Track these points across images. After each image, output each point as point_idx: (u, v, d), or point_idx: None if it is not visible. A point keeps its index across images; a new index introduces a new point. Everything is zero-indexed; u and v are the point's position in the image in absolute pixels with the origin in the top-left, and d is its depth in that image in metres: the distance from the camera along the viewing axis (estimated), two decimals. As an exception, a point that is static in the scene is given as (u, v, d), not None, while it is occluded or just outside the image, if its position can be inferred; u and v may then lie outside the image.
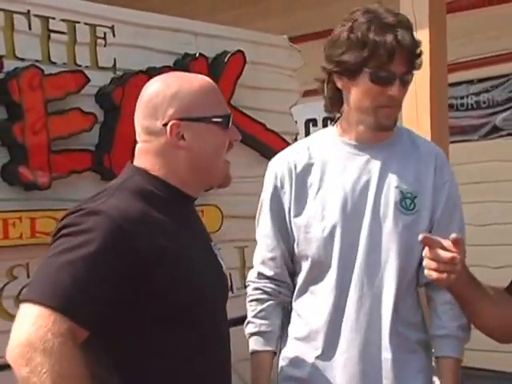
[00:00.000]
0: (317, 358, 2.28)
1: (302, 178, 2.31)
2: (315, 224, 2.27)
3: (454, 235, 1.91)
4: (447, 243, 1.93)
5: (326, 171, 2.30)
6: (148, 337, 1.79)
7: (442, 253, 1.92)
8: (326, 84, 2.33)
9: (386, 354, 2.26)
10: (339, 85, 2.28)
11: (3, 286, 3.09)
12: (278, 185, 2.34)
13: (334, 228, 2.25)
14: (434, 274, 1.98)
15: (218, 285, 2.00)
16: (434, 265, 1.95)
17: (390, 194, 2.26)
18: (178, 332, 1.82)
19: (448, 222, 2.32)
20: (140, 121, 1.93)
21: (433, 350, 2.36)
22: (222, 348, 1.97)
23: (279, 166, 2.36)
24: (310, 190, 2.30)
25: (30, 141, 3.17)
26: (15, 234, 3.09)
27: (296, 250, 2.32)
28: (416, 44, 2.24)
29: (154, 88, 1.92)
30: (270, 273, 2.35)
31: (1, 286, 3.09)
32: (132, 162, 1.95)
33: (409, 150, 2.35)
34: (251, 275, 2.41)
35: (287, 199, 2.32)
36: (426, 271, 1.98)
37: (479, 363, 5.94)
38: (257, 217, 2.43)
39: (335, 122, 2.40)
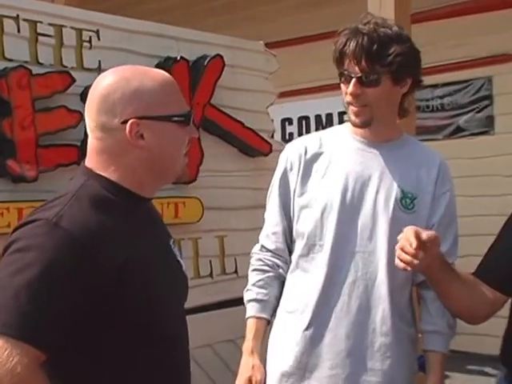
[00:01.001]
0: (304, 330, 2.24)
1: (309, 163, 2.31)
2: (315, 205, 2.25)
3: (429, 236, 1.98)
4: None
5: (333, 160, 2.29)
6: (109, 352, 1.62)
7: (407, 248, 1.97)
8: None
9: (374, 338, 2.23)
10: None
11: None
12: (288, 167, 2.34)
13: (331, 211, 2.23)
14: (396, 261, 2.02)
15: (177, 288, 1.83)
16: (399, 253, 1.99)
17: (392, 191, 2.24)
18: (139, 343, 1.65)
19: (446, 226, 2.30)
20: (94, 116, 1.66)
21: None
22: (180, 350, 1.80)
23: (291, 151, 2.36)
24: (316, 175, 2.29)
25: (19, 136, 3.13)
26: (3, 223, 3.02)
27: (295, 228, 2.31)
28: (373, 46, 2.16)
29: (111, 81, 1.66)
30: (271, 246, 2.35)
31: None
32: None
33: (414, 156, 2.33)
34: (255, 248, 2.41)
35: (293, 180, 2.31)
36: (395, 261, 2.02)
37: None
38: (268, 195, 2.43)
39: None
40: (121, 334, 1.63)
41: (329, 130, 2.48)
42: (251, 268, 2.38)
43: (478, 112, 6.58)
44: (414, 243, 1.97)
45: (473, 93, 6.62)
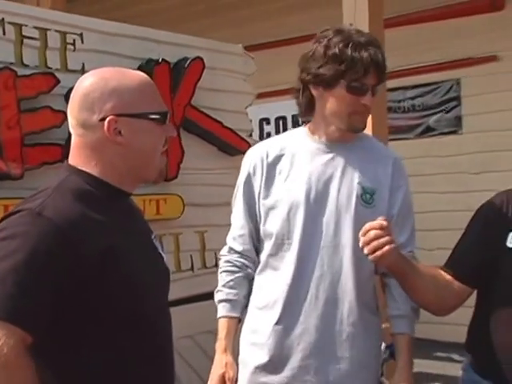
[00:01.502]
0: (275, 325, 2.25)
1: (272, 166, 2.31)
2: (281, 206, 2.26)
3: (382, 221, 2.00)
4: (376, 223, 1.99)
5: (294, 162, 2.30)
6: (89, 336, 1.61)
7: (371, 232, 1.99)
8: (301, 92, 2.31)
9: (342, 328, 2.24)
10: (315, 93, 2.27)
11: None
12: (251, 172, 2.33)
13: (297, 210, 2.23)
14: (365, 250, 2.02)
15: (159, 278, 1.82)
16: (366, 241, 1.99)
17: (353, 188, 2.26)
18: (123, 331, 1.64)
19: (403, 218, 2.33)
20: (75, 114, 1.69)
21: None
22: (163, 339, 1.80)
23: (253, 156, 2.37)
24: (279, 177, 2.29)
25: (4, 135, 3.09)
26: (-11, 220, 2.97)
27: (262, 229, 2.31)
28: (385, 60, 2.24)
29: (91, 82, 1.69)
30: (239, 248, 2.35)
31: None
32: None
33: (369, 152, 2.35)
34: (223, 250, 2.42)
35: (258, 184, 2.31)
36: (364, 250, 2.01)
37: (417, 333, 5.91)
38: (233, 199, 2.42)
39: (304, 124, 2.40)
40: (104, 321, 1.62)
41: (286, 133, 2.50)
42: (220, 270, 2.38)
43: (447, 113, 6.62)
44: (384, 223, 1.99)
45: (442, 94, 6.65)
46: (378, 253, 2.02)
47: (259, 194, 2.30)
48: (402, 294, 2.30)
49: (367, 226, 2.02)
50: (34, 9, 3.73)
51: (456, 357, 5.24)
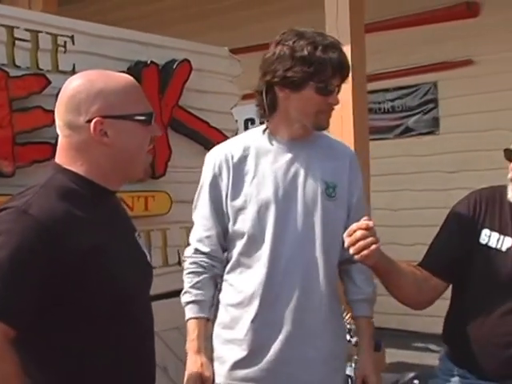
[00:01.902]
0: (252, 321, 2.22)
1: (238, 168, 2.26)
2: (251, 205, 2.22)
3: (367, 221, 2.01)
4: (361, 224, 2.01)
5: (259, 162, 2.26)
6: (74, 331, 1.60)
7: (358, 232, 2.00)
8: (265, 94, 2.25)
9: (315, 317, 2.25)
10: (280, 95, 2.22)
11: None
12: (217, 173, 2.28)
13: (267, 208, 2.21)
14: (351, 250, 2.02)
15: (141, 274, 1.81)
16: (352, 241, 2.00)
17: (317, 184, 2.26)
18: (106, 325, 1.64)
19: (360, 209, 2.37)
20: (62, 115, 1.68)
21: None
22: (146, 332, 1.79)
23: (217, 157, 2.30)
24: (246, 178, 2.25)
25: (-4, 134, 3.05)
26: (-18, 216, 2.94)
27: (232, 229, 2.26)
28: (348, 61, 2.25)
29: (77, 84, 1.68)
30: (206, 249, 2.29)
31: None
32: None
33: (327, 149, 2.35)
34: (188, 251, 2.34)
35: (225, 185, 2.26)
36: (350, 250, 2.02)
37: (394, 325, 5.94)
38: (195, 201, 2.35)
39: (265, 123, 2.35)
40: (88, 316, 1.60)
41: (245, 134, 2.44)
42: (186, 271, 2.32)
43: (425, 114, 6.64)
44: (370, 223, 2.01)
45: (420, 96, 6.68)
46: (365, 252, 2.01)
47: (227, 195, 2.25)
48: (364, 280, 2.35)
49: (354, 226, 2.02)
50: (26, 12, 3.70)
51: (433, 347, 5.27)
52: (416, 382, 2.60)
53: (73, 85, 1.68)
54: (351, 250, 2.03)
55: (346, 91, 4.79)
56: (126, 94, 1.69)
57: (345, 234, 2.04)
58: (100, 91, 1.65)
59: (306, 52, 2.15)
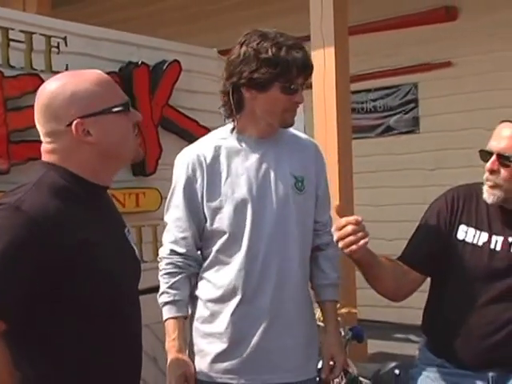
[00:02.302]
0: (231, 315, 2.21)
1: (211, 168, 2.22)
2: (227, 204, 2.20)
3: (357, 217, 2.03)
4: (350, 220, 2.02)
5: (231, 161, 2.23)
6: (65, 326, 1.58)
7: (348, 227, 2.01)
8: (231, 95, 2.23)
9: (291, 306, 2.24)
10: (247, 95, 2.20)
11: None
12: (191, 175, 2.23)
13: (243, 206, 2.20)
14: (341, 244, 2.03)
15: (130, 269, 1.79)
16: (342, 236, 2.01)
17: (287, 179, 2.25)
18: (97, 319, 1.62)
19: (326, 198, 2.38)
20: (42, 125, 1.67)
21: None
22: (134, 326, 1.78)
23: (190, 159, 2.25)
24: (220, 177, 2.22)
25: (-9, 133, 3.02)
26: (-23, 212, 2.92)
27: (209, 229, 2.22)
28: (311, 60, 2.23)
29: (50, 90, 1.66)
30: (181, 250, 2.24)
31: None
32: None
33: (294, 144, 2.34)
34: (163, 252, 2.28)
35: (200, 186, 2.22)
36: (339, 244, 2.03)
37: (376, 317, 5.95)
38: (167, 202, 2.32)
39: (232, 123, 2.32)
40: (79, 310, 1.59)
41: (214, 133, 2.38)
42: (163, 272, 2.26)
43: (406, 113, 6.65)
44: (359, 218, 2.03)
45: (401, 97, 6.69)
46: (354, 247, 2.02)
47: (202, 195, 2.21)
48: (330, 266, 2.35)
49: (343, 221, 2.03)
50: (21, 13, 3.69)
51: (413, 338, 5.28)
52: (397, 371, 2.60)
53: (46, 93, 1.66)
54: (340, 244, 2.04)
55: (330, 91, 4.85)
56: (99, 89, 1.66)
57: (333, 228, 2.06)
58: (73, 93, 1.63)
59: (270, 53, 2.12)
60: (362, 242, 2.01)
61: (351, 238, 2.01)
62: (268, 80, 2.14)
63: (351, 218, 2.02)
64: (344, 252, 2.06)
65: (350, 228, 2.01)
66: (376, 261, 2.24)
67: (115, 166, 1.75)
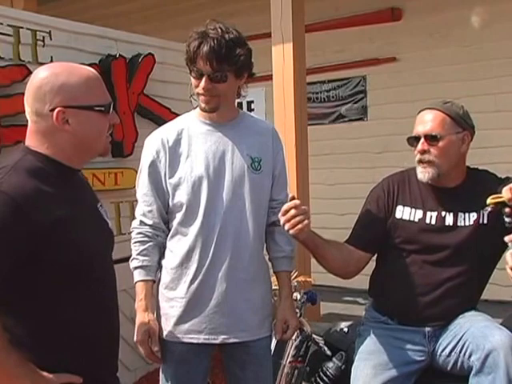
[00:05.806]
0: (190, 281, 2.21)
1: (173, 150, 2.22)
2: (186, 182, 2.20)
3: (296, 201, 2.05)
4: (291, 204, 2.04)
5: (192, 143, 2.23)
6: (45, 290, 1.59)
7: (292, 211, 2.03)
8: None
9: (246, 275, 2.24)
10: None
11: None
12: (155, 156, 2.22)
13: (200, 183, 2.19)
14: (287, 226, 2.05)
15: (103, 240, 1.79)
16: (288, 219, 2.03)
17: (244, 159, 2.23)
18: (76, 289, 1.63)
19: (282, 178, 2.35)
20: (30, 103, 1.65)
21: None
22: (108, 289, 1.78)
23: (155, 142, 2.24)
24: (181, 158, 2.21)
25: (-18, 118, 2.97)
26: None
27: (171, 203, 2.22)
28: (224, 51, 2.11)
29: (43, 76, 1.64)
30: (149, 221, 2.24)
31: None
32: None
33: (251, 127, 2.32)
34: (135, 223, 2.29)
35: (163, 166, 2.21)
36: (285, 226, 2.05)
37: (329, 282, 6.01)
38: (136, 180, 2.31)
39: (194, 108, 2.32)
40: (58, 281, 1.59)
41: (179, 118, 2.37)
42: (133, 240, 2.26)
43: (355, 103, 6.68)
44: (297, 202, 2.04)
45: (351, 88, 6.70)
46: (299, 226, 2.05)
47: (165, 174, 2.21)
48: (284, 239, 2.33)
49: (286, 206, 2.05)
50: (8, 9, 3.61)
51: (361, 300, 5.36)
52: (346, 329, 2.64)
53: (39, 76, 1.65)
54: (286, 226, 2.06)
55: (288, 83, 4.85)
56: (87, 86, 1.65)
57: (279, 214, 2.07)
58: (63, 84, 1.62)
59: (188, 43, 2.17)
60: (305, 222, 2.04)
61: (296, 219, 2.04)
62: (190, 66, 2.18)
63: (292, 203, 2.04)
64: (291, 233, 2.08)
65: (293, 211, 2.04)
66: (321, 241, 2.27)
67: (86, 155, 1.74)
